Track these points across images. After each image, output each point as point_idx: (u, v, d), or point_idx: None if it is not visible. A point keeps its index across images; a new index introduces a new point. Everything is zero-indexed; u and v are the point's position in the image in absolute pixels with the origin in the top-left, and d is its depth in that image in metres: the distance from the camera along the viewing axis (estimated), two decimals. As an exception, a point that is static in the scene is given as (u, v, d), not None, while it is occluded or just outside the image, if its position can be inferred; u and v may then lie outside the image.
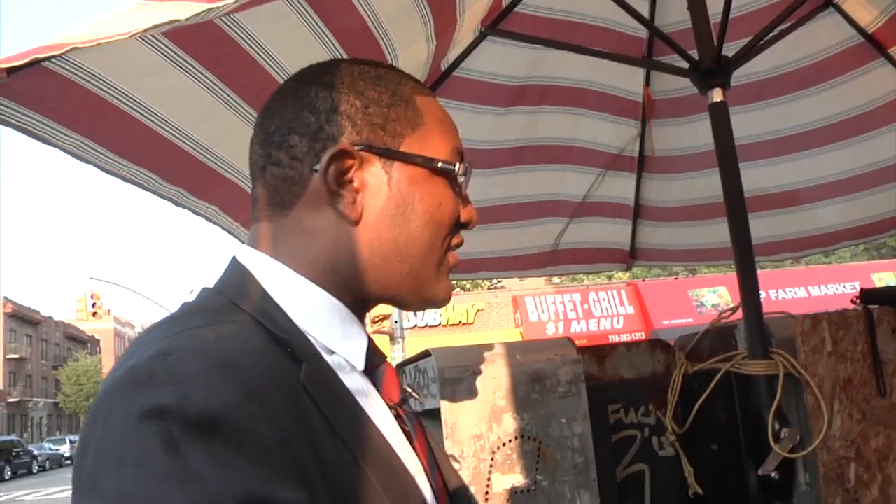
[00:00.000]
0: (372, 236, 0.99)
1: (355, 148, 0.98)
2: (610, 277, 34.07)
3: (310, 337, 0.95)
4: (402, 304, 1.06)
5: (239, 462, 0.74)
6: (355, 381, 0.97)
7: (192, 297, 1.00)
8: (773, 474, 2.15)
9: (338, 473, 0.85)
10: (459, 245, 1.08)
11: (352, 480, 0.87)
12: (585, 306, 23.45)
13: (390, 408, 1.02)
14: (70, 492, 0.79)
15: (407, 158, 1.01)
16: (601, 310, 23.40)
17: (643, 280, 24.74)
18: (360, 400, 0.96)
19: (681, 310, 22.31)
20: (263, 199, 1.04)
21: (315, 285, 0.98)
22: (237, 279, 0.98)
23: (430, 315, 24.57)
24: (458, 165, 1.04)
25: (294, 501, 0.77)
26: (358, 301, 1.02)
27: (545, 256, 4.13)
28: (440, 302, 1.07)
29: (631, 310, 23.33)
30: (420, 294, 1.04)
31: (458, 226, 1.07)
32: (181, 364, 0.78)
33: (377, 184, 0.99)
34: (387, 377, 1.04)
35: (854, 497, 2.15)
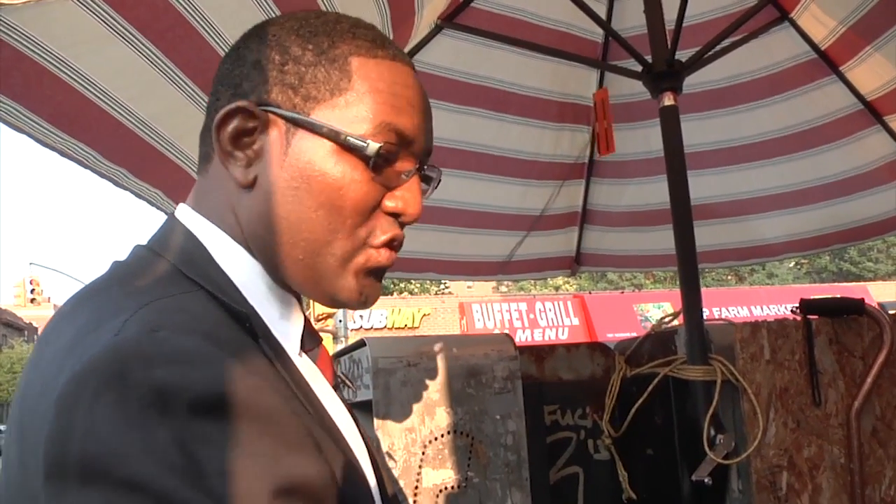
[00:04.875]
0: (265, 208, 0.89)
1: (258, 108, 0.89)
2: (557, 288, 34.37)
3: (257, 311, 0.89)
4: (307, 296, 0.95)
5: (253, 440, 0.68)
6: (303, 361, 0.93)
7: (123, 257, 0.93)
8: (706, 480, 2.14)
9: (320, 441, 0.80)
10: (394, 240, 0.93)
11: (329, 452, 0.82)
12: (531, 315, 23.54)
13: None
14: None
15: (312, 127, 0.88)
16: (546, 320, 23.51)
17: (589, 293, 24.92)
18: (311, 382, 0.91)
19: (625, 323, 22.48)
20: (199, 151, 0.98)
21: (250, 256, 0.92)
22: (180, 241, 0.91)
23: (376, 317, 24.51)
24: (370, 144, 0.88)
25: (316, 472, 0.72)
26: (279, 278, 0.94)
27: (497, 265, 4.12)
28: (343, 303, 0.93)
29: (576, 321, 23.48)
30: (318, 288, 0.91)
31: (377, 215, 0.92)
32: (173, 342, 0.71)
33: (275, 151, 0.89)
34: (320, 362, 0.99)
35: (785, 505, 2.15)
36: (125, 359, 0.68)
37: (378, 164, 0.89)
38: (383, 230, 0.92)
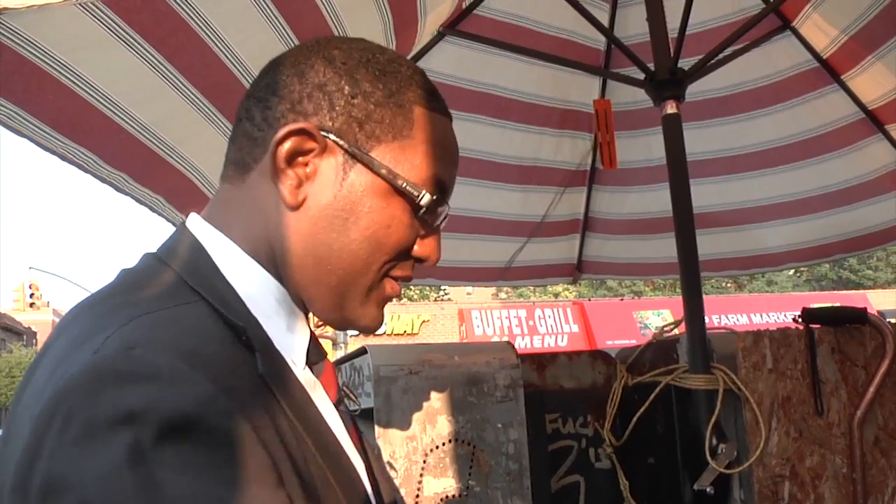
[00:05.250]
0: (309, 231, 0.91)
1: (321, 133, 0.91)
2: (556, 295, 34.34)
3: (262, 324, 0.90)
4: (323, 319, 0.97)
5: (214, 466, 0.69)
6: (305, 374, 0.93)
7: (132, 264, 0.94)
8: (708, 489, 2.13)
9: (303, 468, 0.80)
10: (406, 279, 0.99)
11: (316, 474, 0.83)
12: (531, 322, 23.50)
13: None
14: None
15: (371, 164, 0.91)
16: (546, 327, 23.46)
17: (589, 300, 24.89)
18: (311, 394, 0.92)
19: (625, 330, 22.43)
20: (230, 156, 0.98)
21: (263, 269, 0.93)
22: (187, 251, 0.92)
23: (376, 323, 24.43)
24: (424, 194, 0.93)
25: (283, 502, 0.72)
26: (294, 294, 0.95)
27: (497, 272, 4.12)
28: (361, 328, 0.97)
29: (576, 328, 23.43)
30: (341, 313, 0.95)
31: (407, 256, 0.97)
32: (148, 359, 0.72)
33: (329, 178, 0.91)
34: (325, 375, 0.99)
35: (787, 515, 2.14)
36: (99, 378, 0.70)
37: (423, 213, 0.95)
38: (404, 270, 0.98)
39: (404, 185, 0.92)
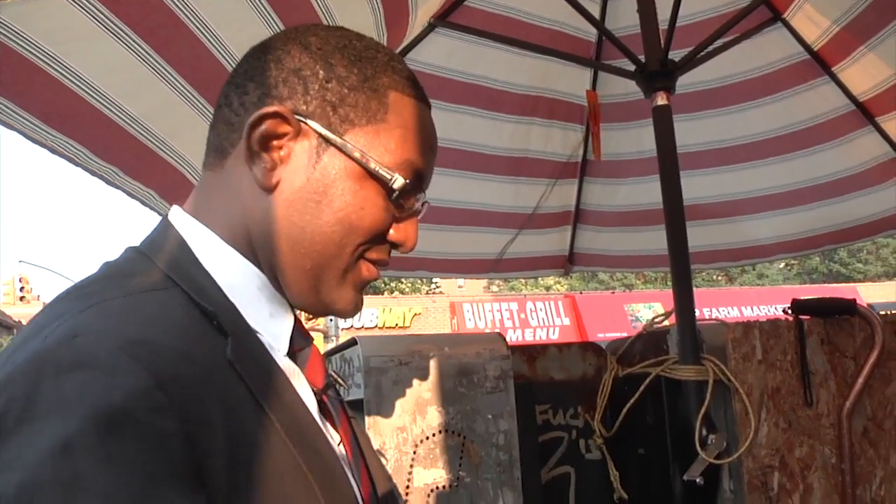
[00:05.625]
0: (283, 214, 0.92)
1: (295, 116, 0.92)
2: (548, 288, 34.38)
3: (241, 311, 0.90)
4: (300, 304, 0.97)
5: (134, 462, 0.68)
6: (285, 361, 0.93)
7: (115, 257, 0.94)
8: (698, 480, 2.14)
9: (263, 455, 0.80)
10: (381, 263, 0.99)
11: (280, 459, 0.82)
12: (522, 315, 23.54)
13: (314, 393, 0.97)
14: None
15: (344, 148, 0.92)
16: (538, 320, 23.50)
17: (580, 293, 24.92)
18: (292, 381, 0.91)
19: (616, 323, 22.49)
20: (210, 143, 0.99)
21: (242, 257, 0.94)
22: (165, 241, 0.93)
23: (367, 316, 24.45)
24: (397, 178, 0.93)
25: None
26: (273, 280, 0.96)
27: (489, 264, 4.11)
28: (338, 312, 0.97)
29: (567, 321, 23.48)
30: (317, 296, 0.95)
31: (381, 240, 0.97)
32: (87, 349, 0.72)
33: (303, 161, 0.92)
34: (311, 361, 0.99)
35: (776, 505, 2.15)
36: (40, 367, 0.71)
37: (396, 197, 0.95)
38: (379, 253, 0.98)
39: (377, 168, 0.92)
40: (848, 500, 2.20)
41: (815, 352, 2.26)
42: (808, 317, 2.31)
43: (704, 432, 2.17)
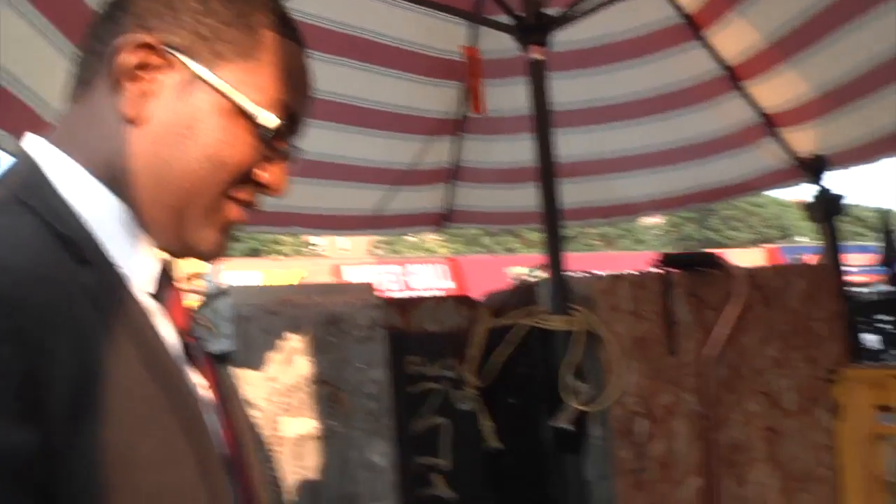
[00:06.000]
0: (149, 149, 0.88)
1: (165, 48, 0.88)
2: (432, 252, 34.56)
3: (101, 243, 0.85)
4: (162, 244, 0.93)
5: None
6: (148, 299, 0.89)
7: None
8: (567, 427, 2.18)
9: (117, 387, 0.76)
10: (248, 204, 0.96)
11: (138, 394, 0.78)
12: (405, 279, 23.63)
13: (179, 335, 0.93)
14: None
15: (214, 83, 0.89)
16: (421, 283, 23.63)
17: (464, 256, 25.17)
18: (151, 319, 0.87)
19: (498, 286, 22.82)
20: (77, 74, 0.93)
21: (105, 188, 0.88)
22: (22, 172, 0.87)
23: (251, 280, 24.12)
24: (268, 116, 0.91)
25: (15, 442, 0.67)
26: (136, 217, 0.91)
27: (365, 220, 4.05)
28: (201, 254, 0.94)
29: (451, 284, 23.68)
30: (179, 235, 0.92)
31: (249, 181, 0.94)
32: None
33: (172, 95, 0.88)
34: (175, 303, 0.95)
35: (641, 450, 2.21)
36: None
37: (265, 136, 0.92)
38: (247, 194, 0.95)
39: (247, 105, 0.90)
40: (709, 443, 2.28)
41: (680, 303, 2.33)
42: (675, 270, 2.37)
43: (573, 381, 2.22)
